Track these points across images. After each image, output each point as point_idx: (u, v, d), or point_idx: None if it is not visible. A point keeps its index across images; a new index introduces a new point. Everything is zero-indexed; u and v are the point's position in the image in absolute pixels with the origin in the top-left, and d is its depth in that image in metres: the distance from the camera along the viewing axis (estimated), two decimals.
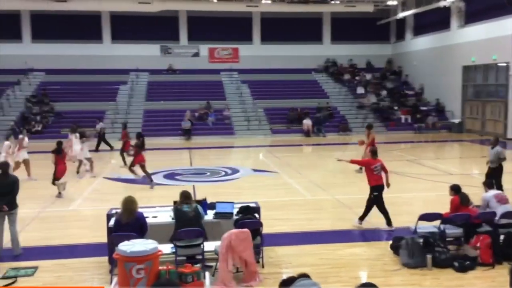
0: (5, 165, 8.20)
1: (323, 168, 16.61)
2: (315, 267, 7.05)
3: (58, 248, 8.34)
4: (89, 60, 31.89)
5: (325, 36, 35.43)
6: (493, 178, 10.10)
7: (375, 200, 9.03)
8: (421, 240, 7.32)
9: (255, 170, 15.72)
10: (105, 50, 32.96)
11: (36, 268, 7.22)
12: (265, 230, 7.49)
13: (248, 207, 7.69)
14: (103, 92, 30.16)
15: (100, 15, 32.43)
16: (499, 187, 10.41)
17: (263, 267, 7.17)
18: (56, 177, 12.33)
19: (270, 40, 34.52)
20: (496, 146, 11.17)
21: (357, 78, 33.30)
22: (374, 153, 9.40)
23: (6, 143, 14.76)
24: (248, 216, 7.37)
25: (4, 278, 6.81)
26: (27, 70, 31.45)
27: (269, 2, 29.24)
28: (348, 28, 34.38)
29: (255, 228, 7.13)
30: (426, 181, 13.99)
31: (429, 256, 7.09)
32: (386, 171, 9.24)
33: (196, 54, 34.33)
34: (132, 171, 13.68)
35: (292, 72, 33.25)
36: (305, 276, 4.51)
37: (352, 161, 10.04)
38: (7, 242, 7.87)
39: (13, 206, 7.85)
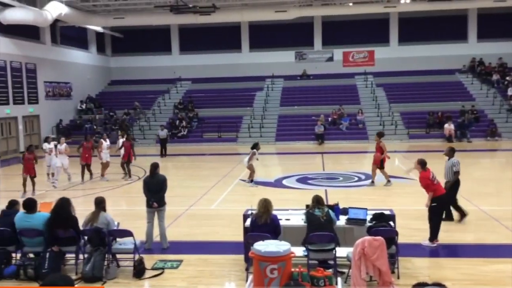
0: (154, 165, 8.82)
1: (468, 176, 15.34)
2: (455, 282, 6.60)
3: (201, 244, 8.96)
4: (229, 69, 33.84)
5: (470, 34, 32.89)
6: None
7: (436, 210, 8.32)
8: None
9: (391, 176, 15.16)
10: (243, 58, 34.66)
11: (181, 261, 7.84)
12: (401, 239, 7.21)
13: (382, 214, 7.47)
14: (241, 99, 31.68)
15: (239, 25, 34.17)
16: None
17: (398, 278, 6.91)
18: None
19: (408, 41, 33.11)
20: (451, 158, 9.77)
21: (507, 78, 30.21)
22: (423, 164, 8.55)
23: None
24: (382, 224, 7.16)
25: (153, 269, 7.54)
26: (175, 80, 34.52)
27: (408, 1, 27.99)
28: (497, 24, 31.44)
29: (390, 237, 6.89)
30: None
31: None
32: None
33: (330, 59, 34.29)
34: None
35: (432, 74, 31.43)
36: (440, 285, 4.23)
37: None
38: (156, 236, 8.68)
39: (162, 203, 8.58)
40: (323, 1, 29.32)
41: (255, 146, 14.64)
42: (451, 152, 9.93)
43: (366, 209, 7.61)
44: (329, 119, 28.14)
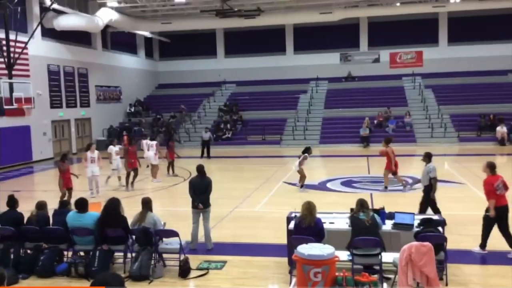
0: (201, 167, 8.98)
1: None
2: None
3: (245, 245, 9.01)
4: (273, 71, 33.94)
5: None
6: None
7: (490, 220, 7.90)
8: None
9: (439, 181, 14.70)
10: (288, 61, 34.66)
11: (225, 262, 7.92)
12: (450, 245, 6.98)
13: (430, 219, 7.26)
14: (285, 101, 31.66)
15: (284, 28, 34.20)
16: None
17: (446, 285, 6.70)
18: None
19: (457, 41, 32.12)
20: (428, 163, 9.74)
21: None
22: (492, 168, 8.05)
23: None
24: (431, 229, 6.95)
25: (198, 269, 7.65)
26: (220, 83, 34.96)
27: (458, 1, 27.11)
28: None
29: (438, 243, 6.69)
30: None
31: None
32: (507, 188, 7.97)
33: (377, 60, 33.73)
34: None
35: (483, 75, 30.34)
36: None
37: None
38: (201, 237, 8.81)
39: (206, 204, 8.71)
40: (369, 2, 28.86)
41: (307, 150, 14.32)
42: (427, 158, 9.90)
43: (413, 213, 7.43)
44: (375, 121, 27.65)
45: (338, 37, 33.70)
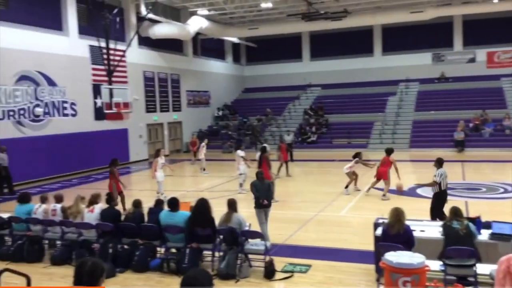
0: (260, 173, 10.00)
1: None
2: None
3: (330, 250, 8.90)
4: (360, 73, 33.29)
5: None
6: None
7: None
8: None
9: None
10: (375, 62, 33.82)
11: (309, 266, 7.89)
12: None
13: None
14: (372, 104, 30.89)
15: (372, 29, 33.41)
16: None
17: None
18: None
19: None
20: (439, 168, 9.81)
21: None
22: None
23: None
24: None
25: (283, 271, 7.71)
26: (305, 86, 34.95)
27: None
28: None
29: None
30: None
31: None
32: None
33: (472, 60, 31.82)
34: None
35: None
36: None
37: None
38: (285, 240, 8.86)
39: (270, 203, 9.27)
40: None
41: (358, 155, 14.95)
42: (437, 163, 10.01)
43: None
44: (470, 124, 26.07)
45: (430, 36, 32.23)
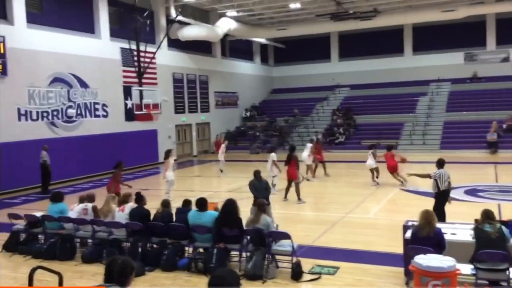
0: (257, 172, 10.94)
1: None
2: None
3: (358, 252, 8.81)
4: (389, 74, 32.84)
5: None
6: None
7: None
8: None
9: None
10: (406, 62, 33.32)
11: (337, 268, 7.81)
12: None
13: None
14: (402, 105, 30.43)
15: (402, 28, 32.92)
16: None
17: None
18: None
19: None
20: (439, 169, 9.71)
21: None
22: None
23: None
24: None
25: (310, 273, 7.67)
26: (334, 87, 34.70)
27: None
28: None
29: None
30: None
31: None
32: None
33: (506, 59, 30.99)
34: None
35: None
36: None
37: None
38: (311, 242, 8.79)
39: (268, 201, 9.99)
40: None
41: (373, 146, 16.57)
42: (437, 164, 9.90)
43: None
44: (504, 125, 25.37)
45: (461, 35, 31.52)
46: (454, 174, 17.31)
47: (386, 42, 33.62)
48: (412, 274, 5.47)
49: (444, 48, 32.05)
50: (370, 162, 15.98)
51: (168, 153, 15.11)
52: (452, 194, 13.51)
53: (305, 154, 17.49)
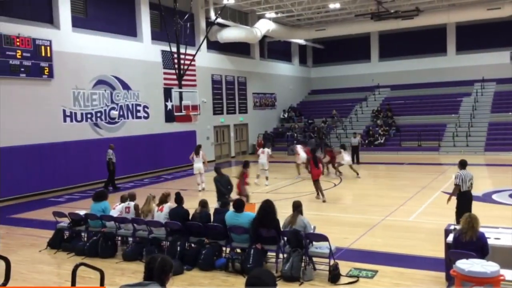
0: (218, 168, 12.13)
1: None
2: None
3: (397, 256, 8.64)
4: (431, 74, 32.06)
5: None
6: None
7: None
8: None
9: None
10: (448, 62, 32.45)
11: (376, 271, 7.70)
12: None
13: None
14: (445, 105, 29.67)
15: (445, 27, 32.08)
16: None
17: None
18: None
19: None
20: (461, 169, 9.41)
21: None
22: None
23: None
24: None
25: (348, 276, 7.58)
26: (373, 87, 34.17)
27: None
28: None
29: None
30: None
31: None
32: None
33: None
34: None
35: None
36: None
37: None
38: (349, 244, 8.66)
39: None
40: None
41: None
42: (459, 165, 9.61)
43: None
44: None
45: (507, 34, 30.38)
46: (498, 177, 16.76)
47: (428, 42, 32.83)
48: (454, 280, 5.32)
49: (489, 47, 31.00)
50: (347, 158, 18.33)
51: (198, 149, 17.09)
52: (496, 197, 13.16)
53: (303, 154, 18.38)
